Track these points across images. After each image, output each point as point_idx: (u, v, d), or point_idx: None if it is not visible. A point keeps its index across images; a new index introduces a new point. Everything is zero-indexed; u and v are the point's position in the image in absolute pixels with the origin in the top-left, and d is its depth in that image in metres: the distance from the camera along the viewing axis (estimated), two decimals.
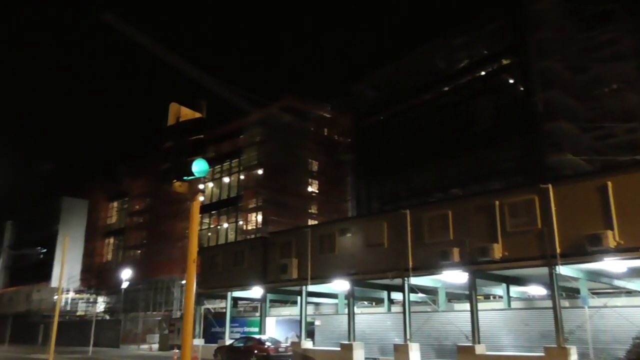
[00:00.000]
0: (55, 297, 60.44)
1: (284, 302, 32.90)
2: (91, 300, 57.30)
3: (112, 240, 60.19)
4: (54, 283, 61.65)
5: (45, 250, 63.28)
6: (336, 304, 29.99)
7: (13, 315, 54.44)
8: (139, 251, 53.45)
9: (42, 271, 61.69)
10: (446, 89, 37.35)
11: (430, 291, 25.35)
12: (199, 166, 6.99)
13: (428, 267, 21.47)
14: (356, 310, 26.92)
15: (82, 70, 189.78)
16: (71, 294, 61.27)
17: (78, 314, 57.05)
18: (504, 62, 34.56)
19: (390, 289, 26.57)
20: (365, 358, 23.67)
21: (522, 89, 33.08)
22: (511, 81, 34.03)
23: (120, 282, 46.75)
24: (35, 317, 53.62)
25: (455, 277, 21.29)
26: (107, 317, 52.04)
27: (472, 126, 34.83)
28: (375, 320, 25.94)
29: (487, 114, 34.72)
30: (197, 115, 7.40)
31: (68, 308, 60.71)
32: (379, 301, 30.90)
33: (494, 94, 34.75)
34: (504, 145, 32.83)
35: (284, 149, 44.71)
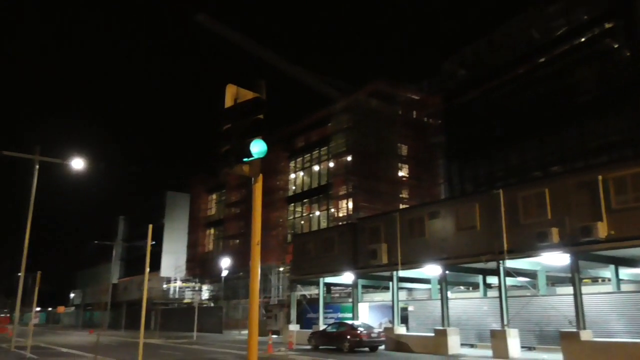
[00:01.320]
0: (164, 285, 64.66)
1: (376, 288, 32.62)
2: (196, 288, 60.46)
3: (212, 231, 63.02)
4: (163, 273, 65.91)
5: (154, 243, 67.50)
6: (429, 289, 29.25)
7: (127, 302, 59.00)
8: (237, 241, 55.49)
9: (153, 262, 65.99)
10: (543, 60, 34.86)
11: (529, 274, 23.94)
12: (258, 147, 6.82)
13: (524, 249, 20.22)
14: (450, 295, 26.09)
15: (171, 70, 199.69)
16: (178, 283, 65.19)
17: (185, 301, 60.54)
18: (607, 25, 31.58)
19: (485, 273, 25.44)
20: (461, 344, 22.86)
21: (628, 53, 30.09)
22: (616, 46, 31.03)
23: (221, 271, 48.94)
24: (148, 304, 57.52)
25: (555, 259, 19.85)
26: (211, 305, 54.69)
27: (574, 98, 32.25)
28: (470, 305, 24.98)
29: (590, 84, 31.95)
30: (256, 95, 7.23)
31: (176, 296, 64.70)
32: (475, 286, 29.73)
33: (597, 61, 31.87)
34: (611, 116, 30.14)
35: (373, 135, 44.18)
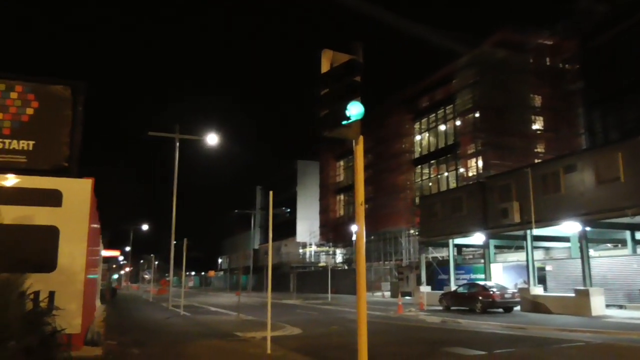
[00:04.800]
0: (300, 250, 67.83)
1: (509, 248, 31.28)
2: (330, 252, 62.63)
3: (342, 196, 64.43)
4: (299, 238, 69.10)
5: (289, 210, 70.82)
6: (568, 248, 27.37)
7: (267, 266, 63.02)
8: (366, 205, 56.20)
9: (288, 228, 69.47)
10: None
11: None
12: (355, 109, 6.85)
13: None
14: (593, 253, 24.26)
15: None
16: (313, 247, 67.99)
17: (320, 264, 63.10)
18: None
19: (633, 228, 23.17)
20: (607, 305, 21.23)
21: None
22: None
23: (352, 235, 50.07)
24: (285, 268, 60.94)
25: None
26: (345, 267, 56.41)
27: None
28: (617, 263, 23.04)
29: None
30: (352, 57, 7.23)
31: (312, 260, 67.64)
32: (623, 242, 27.23)
33: None
34: None
35: (501, 87, 41.65)
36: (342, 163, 65.50)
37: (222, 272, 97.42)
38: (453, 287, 28.20)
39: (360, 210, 7.35)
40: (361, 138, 7.29)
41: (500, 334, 15.76)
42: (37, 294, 8.64)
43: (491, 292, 23.41)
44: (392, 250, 49.95)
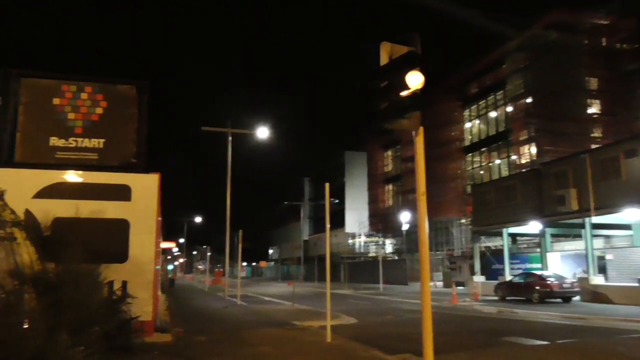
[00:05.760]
0: (350, 240, 68.06)
1: (567, 236, 30.41)
2: (379, 242, 62.57)
3: (390, 186, 64.14)
4: (348, 229, 69.32)
5: (337, 201, 71.07)
6: (630, 236, 26.40)
7: (318, 257, 63.51)
8: (415, 195, 55.79)
9: (337, 219, 69.76)
10: None
11: None
12: (415, 100, 6.91)
13: None
14: None
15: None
16: (363, 238, 68.05)
17: (370, 255, 63.15)
18: None
19: None
20: None
21: None
22: None
23: (401, 225, 49.90)
24: (336, 258, 61.25)
25: None
26: (395, 258, 56.26)
27: None
28: None
29: None
30: (410, 49, 7.27)
31: (361, 250, 67.77)
32: None
33: None
34: None
35: (554, 71, 40.34)
36: (389, 153, 65.15)
37: (272, 263, 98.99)
38: (508, 277, 27.74)
39: (422, 201, 7.40)
40: (421, 129, 7.33)
41: (560, 324, 15.48)
42: (111, 283, 9.17)
43: (549, 282, 22.93)
44: (444, 240, 49.45)
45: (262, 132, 30.23)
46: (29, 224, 8.69)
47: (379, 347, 10.35)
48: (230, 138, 29.74)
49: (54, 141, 10.43)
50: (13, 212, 8.16)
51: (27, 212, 9.10)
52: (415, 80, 7.08)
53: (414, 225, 51.14)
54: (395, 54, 7.41)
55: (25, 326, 6.16)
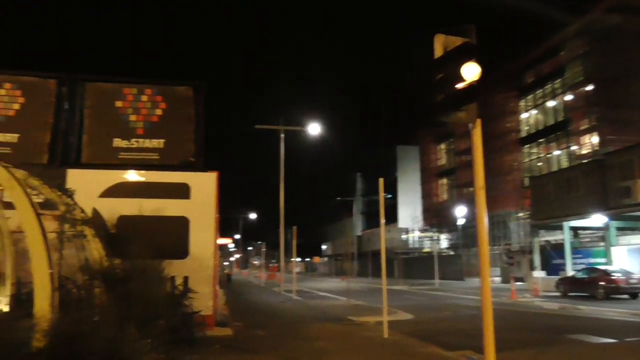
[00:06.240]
0: (403, 235, 67.46)
1: (633, 230, 29.00)
2: (434, 237, 61.70)
3: (444, 180, 63.10)
4: (401, 224, 68.73)
5: (390, 196, 70.54)
6: None
7: (371, 252, 63.35)
8: (471, 189, 54.62)
9: (390, 214, 69.29)
10: None
11: None
12: (471, 91, 6.78)
13: None
14: None
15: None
16: (417, 233, 67.29)
17: (424, 250, 62.37)
18: None
19: None
20: None
21: None
22: None
23: (456, 220, 49.03)
24: (390, 253, 60.86)
25: None
26: (451, 253, 55.34)
27: None
28: None
29: None
30: (465, 40, 7.13)
31: (415, 245, 67.04)
32: None
33: None
34: None
35: (616, 56, 38.42)
36: (443, 146, 64.07)
37: (326, 258, 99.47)
38: (570, 272, 26.77)
39: (480, 195, 7.28)
40: (478, 121, 7.18)
41: (629, 321, 14.82)
42: (173, 279, 9.49)
43: (614, 277, 21.96)
44: (501, 234, 48.20)
45: (314, 129, 30.43)
46: (97, 221, 9.12)
47: (437, 343, 10.23)
48: (282, 135, 30.06)
49: (117, 142, 10.90)
50: (82, 210, 8.57)
51: (95, 211, 9.54)
52: (471, 71, 6.95)
53: (470, 220, 50.15)
54: (450, 45, 7.29)
55: (96, 319, 6.47)
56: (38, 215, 6.33)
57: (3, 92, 11.22)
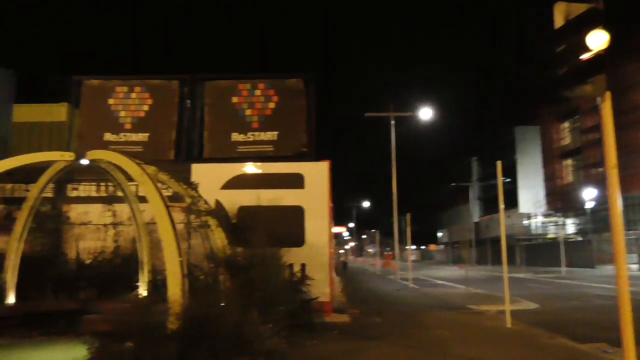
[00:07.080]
0: (525, 221, 64.10)
1: None
2: (559, 222, 57.88)
3: (569, 161, 58.77)
4: (522, 208, 65.27)
5: (509, 180, 67.25)
6: None
7: (490, 239, 60.87)
8: (600, 169, 50.35)
9: (509, 199, 65.98)
10: None
11: None
12: (598, 62, 6.22)
13: None
14: None
15: None
16: (540, 218, 63.52)
17: (548, 236, 58.68)
18: None
19: None
20: None
21: None
22: None
23: (584, 203, 45.58)
24: (510, 240, 58.06)
25: None
26: (579, 238, 51.62)
27: None
28: None
29: None
30: (590, 6, 6.54)
31: (539, 231, 63.33)
32: None
33: None
34: None
35: None
36: (566, 124, 59.64)
37: (442, 246, 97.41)
38: None
39: (613, 175, 6.69)
40: (608, 94, 6.57)
41: None
42: (291, 266, 9.82)
43: None
44: (637, 217, 44.00)
45: (425, 113, 29.74)
46: (219, 212, 9.69)
47: (566, 335, 9.60)
48: (393, 122, 29.77)
49: (235, 136, 11.47)
50: (206, 202, 9.13)
51: (217, 202, 10.14)
52: (598, 40, 6.37)
53: (600, 203, 46.36)
54: (572, 13, 6.73)
55: (222, 304, 6.88)
56: (168, 207, 6.85)
57: (134, 95, 12.26)
